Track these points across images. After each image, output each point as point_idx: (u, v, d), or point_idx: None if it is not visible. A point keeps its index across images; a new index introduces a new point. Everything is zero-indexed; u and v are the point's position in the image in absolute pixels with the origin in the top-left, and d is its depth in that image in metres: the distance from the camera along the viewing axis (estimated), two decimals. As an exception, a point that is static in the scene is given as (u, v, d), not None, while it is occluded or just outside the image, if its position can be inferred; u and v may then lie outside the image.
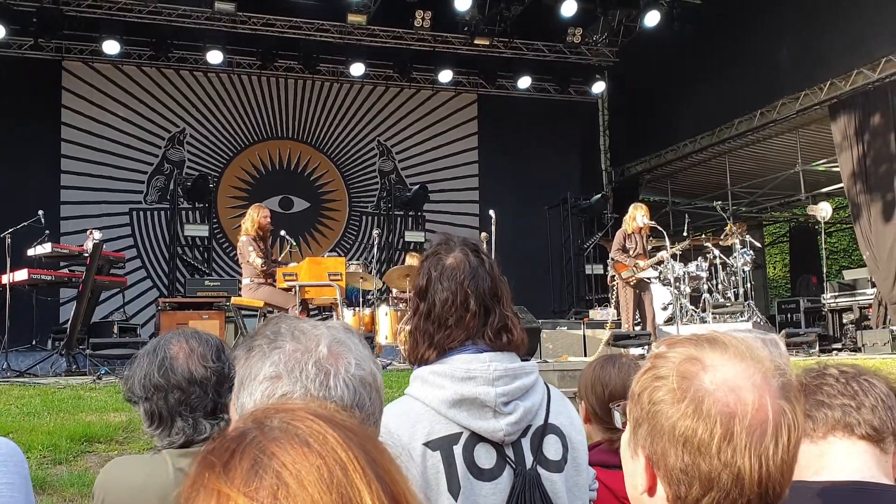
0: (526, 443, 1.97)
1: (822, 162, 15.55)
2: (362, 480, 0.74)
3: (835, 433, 1.70)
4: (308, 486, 0.72)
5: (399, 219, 16.20)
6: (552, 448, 2.00)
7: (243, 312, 9.71)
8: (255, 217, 9.38)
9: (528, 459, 1.96)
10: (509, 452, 1.94)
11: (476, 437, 1.92)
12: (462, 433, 1.92)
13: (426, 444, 1.90)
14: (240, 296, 9.65)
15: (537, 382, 2.05)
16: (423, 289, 2.07)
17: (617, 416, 1.33)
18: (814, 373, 1.80)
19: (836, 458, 1.69)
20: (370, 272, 10.96)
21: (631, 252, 10.44)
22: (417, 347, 2.05)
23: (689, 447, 1.10)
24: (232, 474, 0.74)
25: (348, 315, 10.31)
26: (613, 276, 11.29)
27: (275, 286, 9.24)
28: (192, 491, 0.77)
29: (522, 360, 2.06)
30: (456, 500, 1.87)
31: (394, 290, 11.37)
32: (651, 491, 1.17)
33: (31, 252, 9.05)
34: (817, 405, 1.71)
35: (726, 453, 1.08)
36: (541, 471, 1.96)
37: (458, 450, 1.90)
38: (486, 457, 1.92)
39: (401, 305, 10.87)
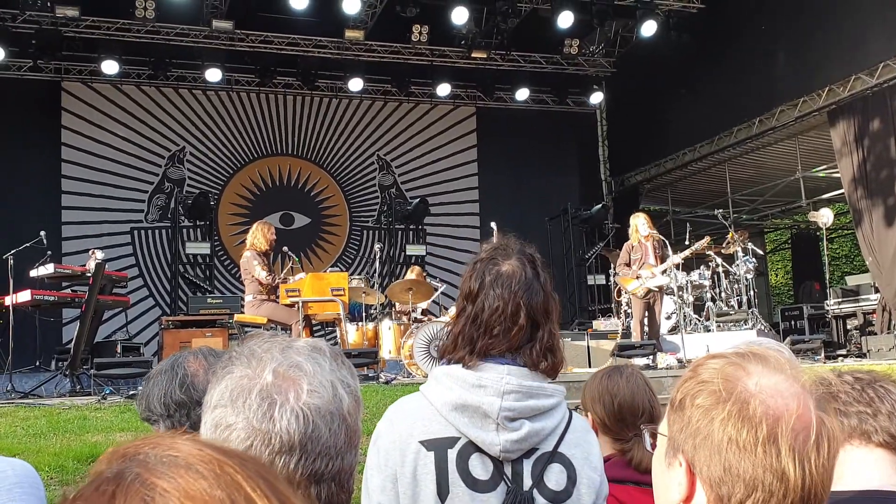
0: (528, 464, 1.90)
1: (822, 168, 15.56)
2: None
3: (851, 441, 1.68)
4: None
5: (400, 233, 16.23)
6: (554, 477, 1.91)
7: (246, 329, 9.69)
8: (262, 232, 9.37)
9: (527, 482, 1.89)
10: (507, 470, 1.89)
11: (473, 447, 1.88)
12: (459, 438, 1.88)
13: (421, 443, 1.88)
14: (243, 313, 9.65)
15: (557, 407, 1.98)
16: (475, 293, 1.99)
17: (647, 438, 1.31)
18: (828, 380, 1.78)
19: (854, 466, 1.67)
20: (372, 286, 10.94)
21: (636, 264, 10.33)
22: (455, 349, 1.98)
23: (733, 448, 1.10)
24: None
25: (352, 330, 10.30)
26: (620, 291, 11.24)
27: (278, 302, 9.23)
28: None
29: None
30: None
31: (396, 305, 11.34)
32: (689, 500, 1.17)
33: (33, 273, 9.04)
34: (833, 413, 1.65)
35: (771, 455, 1.08)
36: (536, 496, 1.88)
37: (452, 454, 1.87)
38: (481, 468, 1.87)
39: (404, 319, 10.86)
